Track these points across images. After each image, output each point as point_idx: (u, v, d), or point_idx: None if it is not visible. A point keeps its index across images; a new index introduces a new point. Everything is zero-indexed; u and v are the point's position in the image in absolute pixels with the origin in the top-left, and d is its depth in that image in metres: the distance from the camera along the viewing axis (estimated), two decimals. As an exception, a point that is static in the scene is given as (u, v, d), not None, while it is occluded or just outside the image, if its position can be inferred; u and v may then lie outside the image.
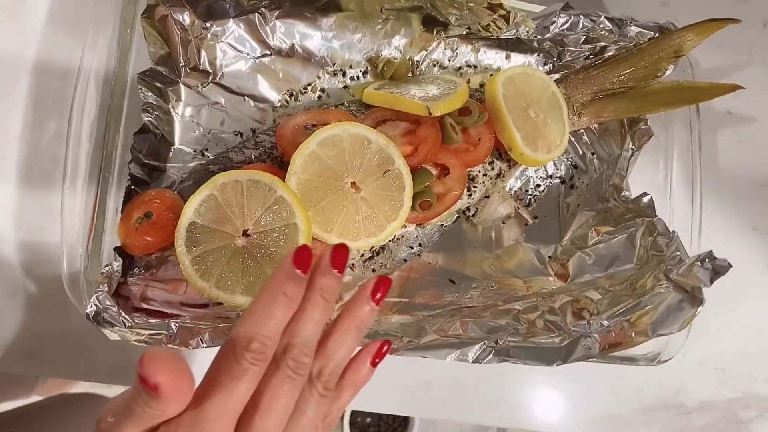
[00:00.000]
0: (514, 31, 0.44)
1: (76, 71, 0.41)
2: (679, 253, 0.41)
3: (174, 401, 0.24)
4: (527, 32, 0.44)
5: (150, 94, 0.40)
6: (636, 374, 0.49)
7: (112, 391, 0.85)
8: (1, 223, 0.41)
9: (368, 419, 1.08)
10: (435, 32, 0.46)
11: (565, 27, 0.44)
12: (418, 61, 0.47)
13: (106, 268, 0.36)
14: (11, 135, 0.41)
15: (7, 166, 0.41)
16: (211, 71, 0.42)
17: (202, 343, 0.36)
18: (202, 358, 0.44)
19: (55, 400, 0.82)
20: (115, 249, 0.37)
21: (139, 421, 0.24)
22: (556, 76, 0.48)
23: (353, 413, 1.08)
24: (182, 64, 0.41)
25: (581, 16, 0.43)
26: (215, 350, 0.38)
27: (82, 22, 0.42)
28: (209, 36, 0.42)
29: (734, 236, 0.53)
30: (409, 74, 0.46)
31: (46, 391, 1.10)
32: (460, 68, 0.48)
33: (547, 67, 0.49)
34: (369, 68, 0.46)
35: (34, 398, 1.07)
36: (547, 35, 0.45)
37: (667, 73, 0.45)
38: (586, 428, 0.50)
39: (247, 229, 0.36)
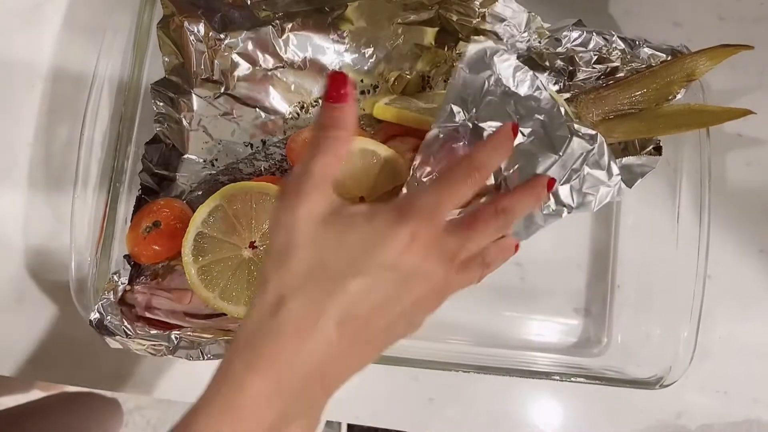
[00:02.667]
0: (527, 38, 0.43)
1: (89, 79, 0.42)
2: None
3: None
4: (539, 42, 0.44)
5: (162, 104, 0.40)
6: (638, 396, 0.49)
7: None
8: (11, 227, 0.41)
9: (366, 433, 1.10)
10: (447, 47, 0.46)
11: (577, 42, 0.44)
12: (429, 77, 0.47)
13: (113, 276, 0.36)
14: (24, 140, 0.42)
15: (19, 171, 0.42)
16: (223, 82, 0.43)
17: (203, 356, 0.36)
18: (201, 370, 0.44)
19: (55, 399, 0.83)
20: (125, 257, 0.37)
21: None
22: (567, 95, 0.48)
23: (350, 426, 1.09)
24: (195, 74, 0.42)
25: (594, 34, 0.43)
26: (216, 363, 0.38)
27: (97, 30, 0.42)
28: (223, 47, 0.42)
29: (741, 258, 0.53)
30: (421, 89, 0.47)
31: (46, 388, 1.11)
32: (472, 84, 0.48)
33: (557, 86, 0.49)
34: (380, 83, 0.46)
35: (35, 394, 1.08)
36: (559, 48, 0.44)
37: (678, 96, 0.45)
38: (587, 448, 0.50)
39: (254, 241, 0.36)
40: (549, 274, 0.50)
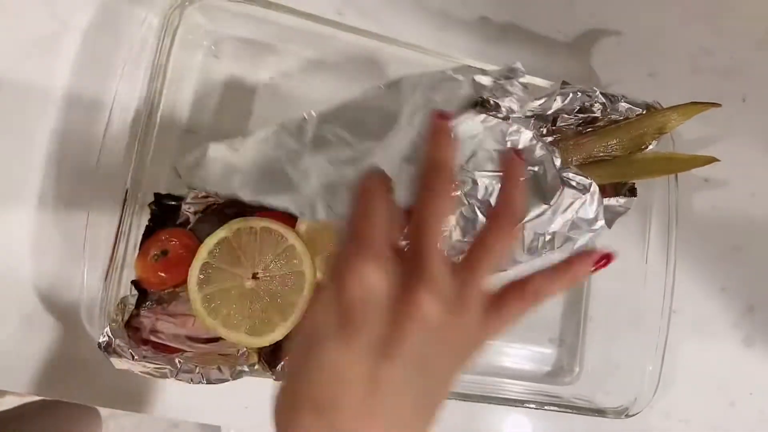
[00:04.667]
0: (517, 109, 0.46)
1: (102, 106, 0.44)
2: None
3: None
4: (531, 112, 0.46)
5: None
6: (606, 422, 0.52)
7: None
8: (21, 249, 0.43)
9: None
10: None
11: (565, 104, 0.47)
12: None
13: (122, 301, 0.38)
14: (36, 164, 0.43)
15: (30, 193, 0.43)
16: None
17: (204, 380, 0.38)
18: (204, 393, 0.46)
19: (37, 405, 0.83)
20: (132, 282, 0.39)
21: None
22: (549, 139, 0.52)
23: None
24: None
25: (579, 93, 0.46)
26: (216, 387, 0.41)
27: (113, 60, 0.44)
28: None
29: (705, 296, 0.57)
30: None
31: (22, 395, 1.10)
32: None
33: (543, 130, 0.52)
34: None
35: (9, 400, 1.07)
36: (549, 113, 0.47)
37: (651, 146, 0.49)
38: (557, 472, 0.53)
39: (257, 273, 0.39)
40: (527, 305, 0.53)
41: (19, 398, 1.09)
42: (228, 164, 0.40)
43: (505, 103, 0.42)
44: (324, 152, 0.40)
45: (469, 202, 0.40)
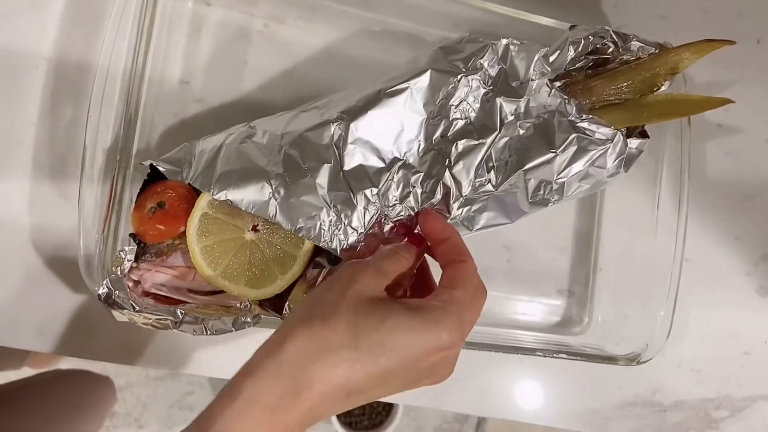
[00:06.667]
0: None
1: (93, 60, 0.43)
2: None
3: None
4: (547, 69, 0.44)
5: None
6: (617, 373, 0.51)
7: (99, 366, 0.86)
8: (17, 206, 0.42)
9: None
10: None
11: (578, 52, 0.44)
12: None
13: (120, 253, 0.38)
14: (28, 120, 0.43)
15: (24, 150, 0.42)
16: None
17: (206, 330, 0.38)
18: (208, 347, 0.46)
19: (51, 375, 0.84)
20: (130, 235, 0.39)
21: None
22: (559, 83, 0.50)
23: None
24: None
25: (591, 37, 0.44)
26: (219, 342, 0.40)
27: (102, 13, 0.43)
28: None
29: (717, 244, 0.56)
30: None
31: (37, 364, 1.12)
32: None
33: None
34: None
35: (26, 371, 1.09)
36: (564, 65, 0.45)
37: (663, 88, 0.47)
38: (567, 420, 0.53)
39: (257, 225, 0.38)
40: (535, 256, 0.52)
41: (34, 369, 1.11)
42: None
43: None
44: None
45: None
